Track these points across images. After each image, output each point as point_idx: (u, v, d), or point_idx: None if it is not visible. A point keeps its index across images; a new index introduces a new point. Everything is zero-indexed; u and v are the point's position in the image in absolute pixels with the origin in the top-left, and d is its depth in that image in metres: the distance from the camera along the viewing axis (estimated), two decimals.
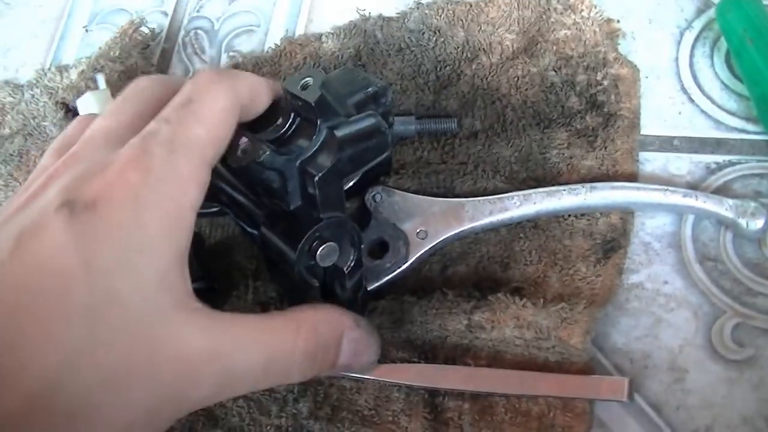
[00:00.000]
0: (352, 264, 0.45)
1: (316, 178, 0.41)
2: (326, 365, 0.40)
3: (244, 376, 0.36)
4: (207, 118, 0.38)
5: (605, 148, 0.50)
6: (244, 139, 0.40)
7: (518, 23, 0.55)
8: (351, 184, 0.47)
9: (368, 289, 0.47)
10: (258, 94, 0.41)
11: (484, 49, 0.54)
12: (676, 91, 0.52)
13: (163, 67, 0.67)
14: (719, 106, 0.51)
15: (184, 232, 0.35)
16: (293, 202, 0.42)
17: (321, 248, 0.42)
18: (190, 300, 0.35)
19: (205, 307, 0.36)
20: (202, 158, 0.37)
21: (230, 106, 0.39)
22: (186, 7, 0.69)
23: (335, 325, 0.40)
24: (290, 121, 0.42)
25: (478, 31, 0.55)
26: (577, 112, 0.51)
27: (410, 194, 0.50)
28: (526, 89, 0.52)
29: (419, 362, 0.46)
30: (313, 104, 0.41)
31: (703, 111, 0.51)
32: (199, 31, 0.67)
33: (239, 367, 0.36)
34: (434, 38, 0.55)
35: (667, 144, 0.50)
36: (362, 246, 0.45)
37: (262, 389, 0.45)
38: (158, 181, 0.35)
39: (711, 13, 0.53)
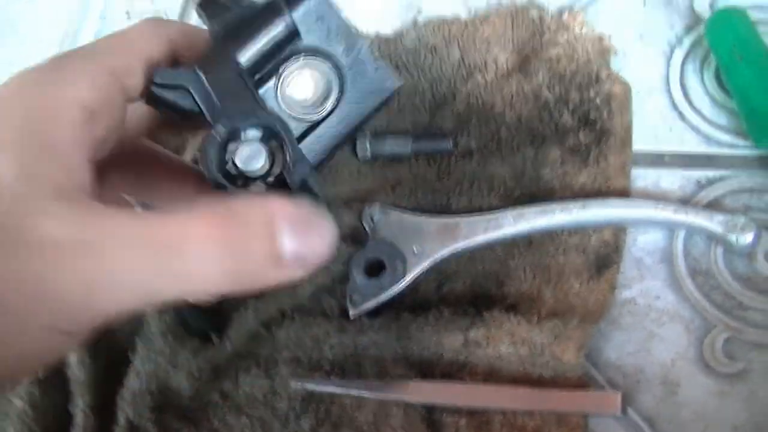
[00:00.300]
0: (289, 163, 0.38)
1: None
2: (258, 255, 0.33)
3: (131, 276, 0.32)
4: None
5: (598, 164, 0.51)
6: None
7: (512, 42, 0.56)
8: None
9: (365, 306, 0.48)
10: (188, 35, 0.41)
11: (479, 67, 0.55)
12: (667, 107, 0.53)
13: None
14: (709, 122, 0.52)
15: (50, 123, 0.34)
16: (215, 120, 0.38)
17: (239, 149, 0.37)
18: (66, 191, 0.32)
19: (92, 200, 0.33)
20: (99, 63, 0.36)
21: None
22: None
23: (258, 206, 0.33)
24: None
25: (474, 50, 0.56)
26: (570, 129, 0.52)
27: (406, 213, 0.51)
28: (520, 107, 0.53)
29: (417, 379, 0.47)
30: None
31: (693, 127, 0.52)
32: None
33: (119, 264, 0.31)
34: (430, 57, 0.56)
35: (658, 160, 0.51)
36: (289, 136, 0.38)
37: (174, 298, 0.34)
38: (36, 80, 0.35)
39: (700, 29, 0.54)
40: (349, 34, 0.42)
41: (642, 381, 0.46)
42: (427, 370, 0.47)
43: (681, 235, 0.49)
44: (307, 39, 0.41)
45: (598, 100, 0.52)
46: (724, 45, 0.51)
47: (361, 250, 0.49)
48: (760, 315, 0.46)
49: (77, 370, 0.49)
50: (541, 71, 0.54)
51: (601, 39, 0.55)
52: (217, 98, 0.39)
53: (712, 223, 0.47)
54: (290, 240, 0.33)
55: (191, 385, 0.48)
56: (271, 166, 0.38)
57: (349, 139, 0.43)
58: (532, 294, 0.48)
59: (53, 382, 0.49)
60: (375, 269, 0.49)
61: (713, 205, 0.49)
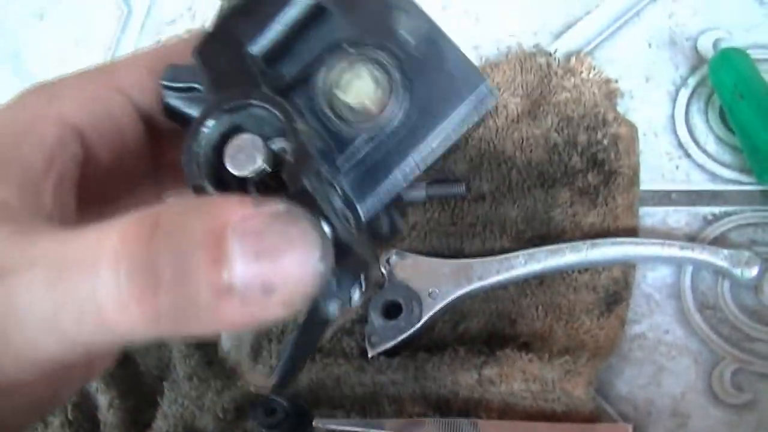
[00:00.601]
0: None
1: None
2: (197, 284, 0.23)
3: (34, 309, 0.24)
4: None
5: (606, 204, 0.52)
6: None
7: (522, 87, 0.58)
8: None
9: (383, 347, 0.50)
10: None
11: (490, 112, 0.58)
12: (673, 146, 0.54)
13: None
14: (714, 159, 0.53)
15: (19, 138, 0.30)
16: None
17: (231, 141, 0.28)
18: (6, 211, 0.27)
19: (35, 222, 0.28)
20: (100, 80, 0.33)
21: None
22: None
23: (200, 210, 0.24)
24: None
25: None
26: (579, 171, 0.54)
27: (422, 257, 0.53)
28: (531, 150, 0.55)
29: (434, 416, 0.49)
30: None
31: (699, 165, 0.53)
32: None
33: (24, 296, 0.24)
34: None
35: (665, 198, 0.53)
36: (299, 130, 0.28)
37: (89, 342, 0.25)
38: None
39: (704, 69, 0.55)
40: (412, 10, 0.31)
41: (653, 413, 0.47)
42: (444, 407, 0.49)
43: (688, 270, 0.50)
44: (351, 18, 0.31)
45: (605, 142, 0.54)
46: (726, 84, 0.53)
47: (379, 293, 0.51)
48: (767, 346, 0.47)
49: (107, 413, 0.51)
50: (550, 115, 0.56)
51: (607, 82, 0.57)
52: (215, 89, 0.30)
53: (718, 258, 0.48)
54: (244, 261, 0.23)
55: (217, 425, 0.50)
56: (276, 169, 0.28)
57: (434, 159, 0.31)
58: (544, 332, 0.50)
59: (84, 425, 0.52)
60: (392, 311, 0.51)
61: (720, 240, 0.51)
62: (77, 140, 0.31)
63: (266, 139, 0.28)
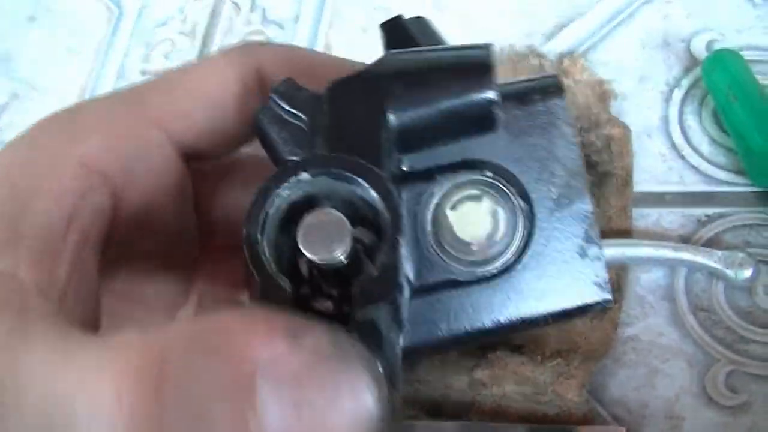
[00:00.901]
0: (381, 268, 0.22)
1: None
2: None
3: None
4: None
5: (599, 206, 0.52)
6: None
7: None
8: None
9: None
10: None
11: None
12: (666, 148, 0.54)
13: None
14: (708, 161, 0.53)
15: (29, 191, 0.25)
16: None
17: (305, 218, 0.22)
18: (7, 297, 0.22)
19: (40, 314, 0.22)
20: (130, 109, 0.27)
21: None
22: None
23: (224, 348, 0.18)
24: None
25: None
26: None
27: None
28: None
29: (426, 419, 0.48)
30: None
31: (693, 166, 0.53)
32: None
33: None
34: None
35: (659, 200, 0.53)
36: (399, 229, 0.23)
37: None
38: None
39: (698, 71, 0.55)
40: (575, 176, 0.28)
41: (647, 416, 0.47)
42: (436, 410, 0.49)
43: (682, 272, 0.50)
44: (508, 150, 0.27)
45: (599, 143, 0.54)
46: (720, 86, 0.52)
47: None
48: (761, 348, 0.47)
49: None
50: None
51: (601, 83, 0.56)
52: (326, 138, 0.26)
53: (712, 259, 0.48)
54: (281, 417, 0.18)
55: None
56: (354, 266, 0.22)
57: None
58: (537, 334, 0.49)
59: None
60: None
61: (714, 242, 0.50)
62: (104, 190, 0.26)
63: (353, 219, 0.22)
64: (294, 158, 0.24)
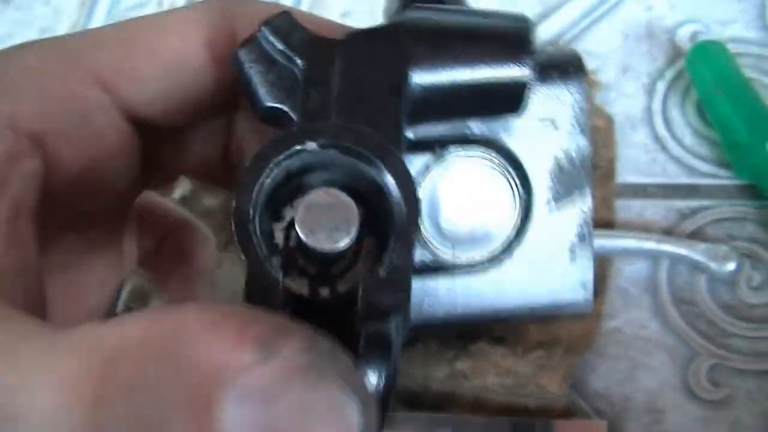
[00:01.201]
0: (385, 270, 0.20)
1: None
2: None
3: None
4: None
5: None
6: None
7: None
8: None
9: None
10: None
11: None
12: (649, 139, 0.54)
13: None
14: (691, 153, 0.53)
15: None
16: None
17: (305, 197, 0.20)
18: None
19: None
20: (70, 62, 0.24)
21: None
22: None
23: (182, 354, 0.16)
24: None
25: None
26: None
27: None
28: None
29: (405, 410, 0.48)
30: None
31: (675, 158, 0.53)
32: None
33: None
34: None
35: (641, 191, 0.52)
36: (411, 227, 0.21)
37: None
38: None
39: (682, 62, 0.55)
40: (580, 168, 0.26)
41: (629, 409, 0.46)
42: (415, 401, 0.48)
43: (665, 265, 0.50)
44: (515, 130, 0.25)
45: None
46: (704, 77, 0.52)
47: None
48: (743, 342, 0.47)
49: None
50: None
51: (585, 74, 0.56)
52: (333, 95, 0.22)
53: (695, 252, 0.48)
54: (244, 430, 0.15)
55: None
56: (356, 258, 0.20)
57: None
58: (519, 326, 0.49)
59: None
60: None
61: (697, 234, 0.50)
62: (36, 153, 0.23)
63: (360, 201, 0.20)
64: (298, 125, 0.21)
